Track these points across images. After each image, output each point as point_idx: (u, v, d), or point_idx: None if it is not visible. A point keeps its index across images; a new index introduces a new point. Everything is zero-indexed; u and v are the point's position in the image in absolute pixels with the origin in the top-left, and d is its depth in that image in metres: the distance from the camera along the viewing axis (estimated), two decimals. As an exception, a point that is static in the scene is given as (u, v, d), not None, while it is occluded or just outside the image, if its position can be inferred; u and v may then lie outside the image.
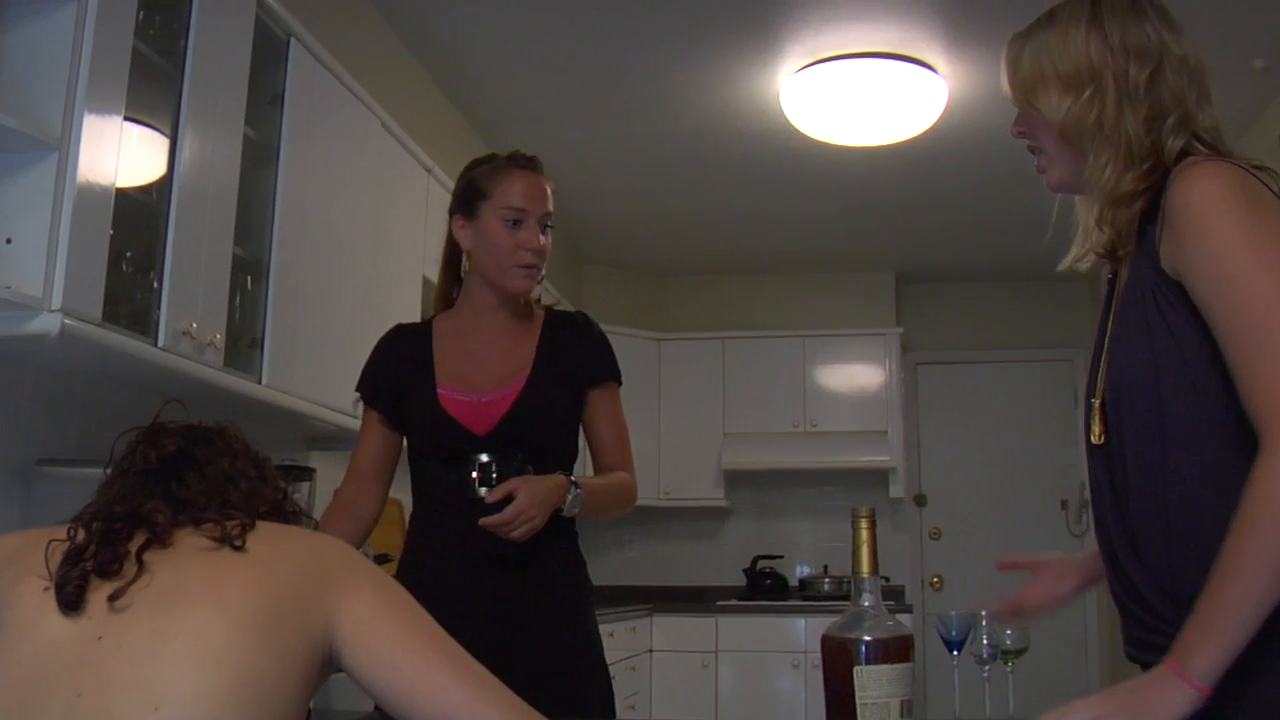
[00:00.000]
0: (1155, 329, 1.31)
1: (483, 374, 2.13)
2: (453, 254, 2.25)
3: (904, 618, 5.57)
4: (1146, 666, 1.30)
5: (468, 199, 2.16)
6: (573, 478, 2.07)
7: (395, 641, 1.17)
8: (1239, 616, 1.14)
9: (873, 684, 1.21)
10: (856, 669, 1.21)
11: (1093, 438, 1.39)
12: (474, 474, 2.06)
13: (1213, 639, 1.15)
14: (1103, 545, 1.40)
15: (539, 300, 2.28)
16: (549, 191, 2.17)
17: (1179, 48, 1.39)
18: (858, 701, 1.20)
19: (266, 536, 1.21)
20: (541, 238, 2.13)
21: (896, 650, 1.22)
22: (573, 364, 2.18)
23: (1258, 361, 1.19)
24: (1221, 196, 1.25)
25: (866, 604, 1.25)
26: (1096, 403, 1.39)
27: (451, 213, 2.21)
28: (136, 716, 1.04)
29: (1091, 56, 1.39)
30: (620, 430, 2.23)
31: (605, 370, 2.22)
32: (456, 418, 2.08)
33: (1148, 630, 1.32)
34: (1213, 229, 1.24)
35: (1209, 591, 1.17)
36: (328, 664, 1.17)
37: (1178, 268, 1.28)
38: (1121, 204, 1.36)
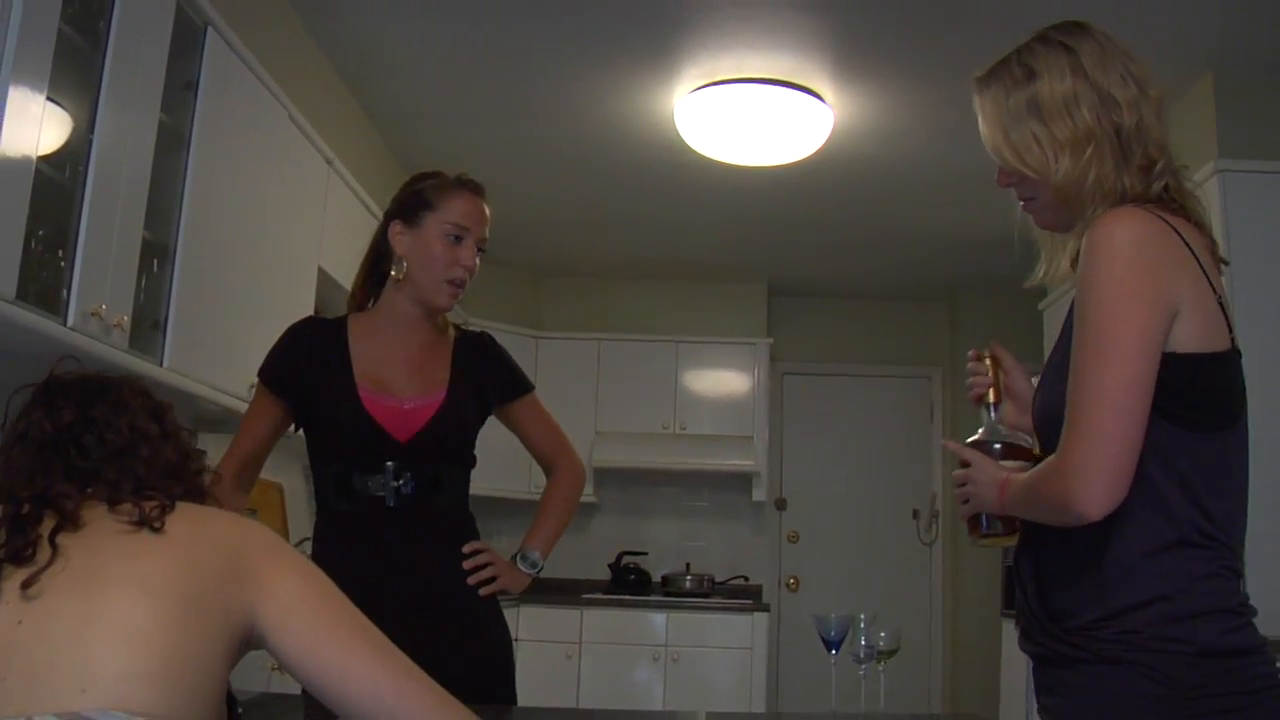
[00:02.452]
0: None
1: (403, 382, 2.18)
2: (376, 258, 2.30)
3: (761, 616, 5.80)
4: (1032, 656, 1.48)
5: (413, 207, 2.22)
6: (523, 553, 2.32)
7: (319, 628, 1.19)
8: (1017, 509, 1.47)
9: None
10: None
11: (1036, 450, 1.54)
12: (392, 482, 2.12)
13: (1011, 500, 1.47)
14: (1017, 551, 1.55)
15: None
16: (488, 216, 2.27)
17: (1151, 88, 1.46)
18: None
19: (186, 517, 1.20)
20: (476, 258, 2.23)
21: (1021, 453, 1.57)
22: (484, 382, 2.29)
23: (1070, 396, 1.36)
24: (1115, 244, 1.36)
25: (994, 419, 1.63)
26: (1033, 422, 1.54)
27: (390, 218, 2.25)
28: (64, 699, 1.04)
29: (1087, 118, 1.44)
30: (552, 428, 2.42)
31: (522, 383, 2.37)
32: (379, 421, 2.13)
33: (1027, 628, 1.49)
34: (1089, 273, 1.37)
35: (1024, 478, 1.45)
36: (247, 643, 1.19)
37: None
38: None
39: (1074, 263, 1.47)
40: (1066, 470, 1.34)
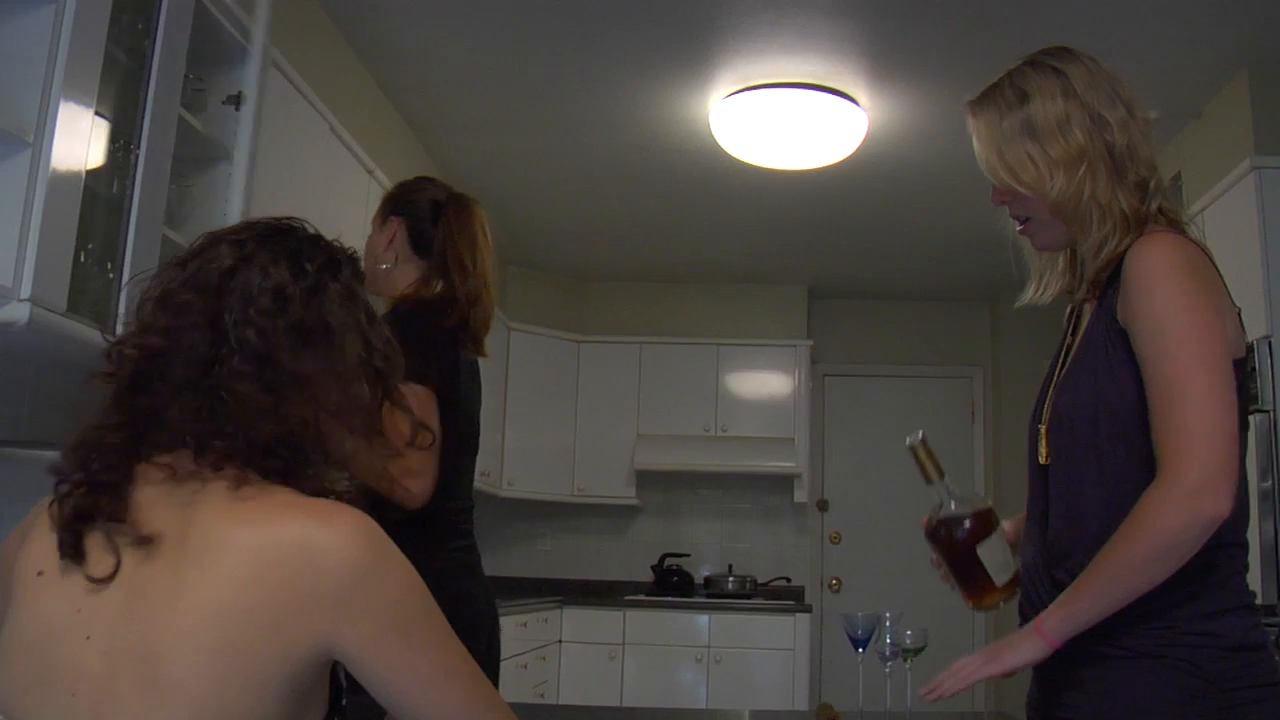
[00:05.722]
0: (1102, 374, 1.46)
1: None
2: None
3: (803, 617, 5.81)
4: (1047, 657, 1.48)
5: None
6: None
7: (400, 667, 1.12)
8: (1093, 600, 1.39)
9: (995, 548, 1.56)
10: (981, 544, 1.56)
11: (1040, 459, 1.54)
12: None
13: (1066, 608, 1.41)
14: (1026, 556, 1.57)
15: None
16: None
17: (1139, 111, 1.52)
18: (986, 564, 1.56)
19: (259, 516, 1.09)
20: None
21: (987, 515, 1.57)
22: None
23: (1170, 409, 1.37)
24: (1170, 264, 1.41)
25: (949, 492, 1.59)
26: (1043, 428, 1.54)
27: None
28: None
29: (1079, 137, 1.49)
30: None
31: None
32: None
33: None
34: (1157, 292, 1.40)
35: (1083, 574, 1.40)
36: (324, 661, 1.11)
37: (1126, 321, 1.44)
38: (1108, 266, 1.49)
39: (1076, 283, 1.56)
40: (1194, 470, 1.33)
